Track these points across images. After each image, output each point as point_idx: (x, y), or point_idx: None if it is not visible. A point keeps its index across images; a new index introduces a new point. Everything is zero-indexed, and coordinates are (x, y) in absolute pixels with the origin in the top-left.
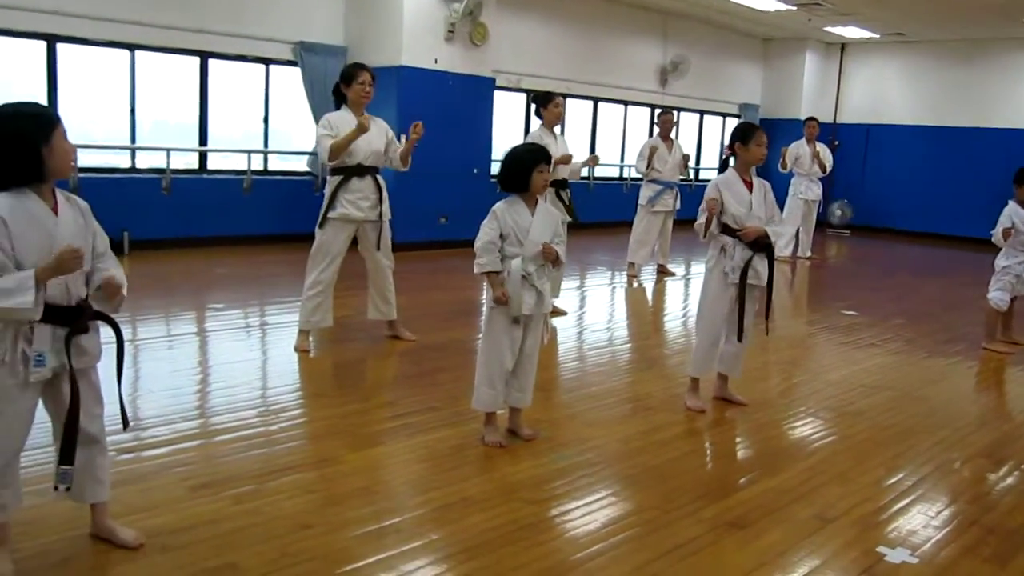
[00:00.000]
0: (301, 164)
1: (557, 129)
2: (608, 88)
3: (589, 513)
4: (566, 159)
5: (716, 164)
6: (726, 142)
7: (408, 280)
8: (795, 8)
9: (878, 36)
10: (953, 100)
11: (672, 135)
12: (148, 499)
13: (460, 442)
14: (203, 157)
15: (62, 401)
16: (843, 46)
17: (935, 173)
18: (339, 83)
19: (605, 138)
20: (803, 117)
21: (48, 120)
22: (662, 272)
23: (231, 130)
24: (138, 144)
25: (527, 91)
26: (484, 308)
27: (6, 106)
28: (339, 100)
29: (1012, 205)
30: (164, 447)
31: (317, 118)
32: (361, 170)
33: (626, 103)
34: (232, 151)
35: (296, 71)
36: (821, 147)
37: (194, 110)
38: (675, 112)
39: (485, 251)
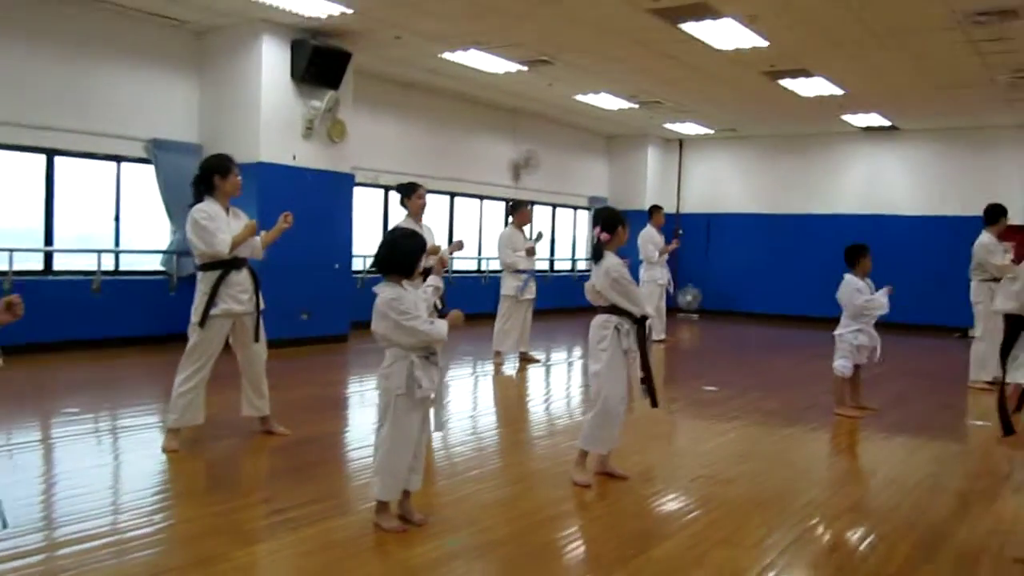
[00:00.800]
0: (154, 263)
1: (425, 219)
2: (464, 183)
3: None
4: (435, 249)
5: (569, 254)
6: (579, 232)
7: (273, 376)
8: (637, 107)
9: (713, 131)
10: (784, 189)
11: (526, 227)
12: None
13: (350, 532)
14: (48, 257)
15: None
16: (681, 141)
17: (772, 257)
18: (205, 174)
19: (462, 231)
20: (647, 209)
21: None
22: (525, 360)
23: (79, 229)
24: None
25: (385, 187)
26: (380, 399)
27: None
28: (204, 191)
29: (848, 276)
30: (46, 553)
31: (172, 216)
32: (238, 263)
33: (481, 197)
34: (80, 251)
35: (148, 168)
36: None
37: (39, 209)
38: (529, 204)
39: (419, 318)
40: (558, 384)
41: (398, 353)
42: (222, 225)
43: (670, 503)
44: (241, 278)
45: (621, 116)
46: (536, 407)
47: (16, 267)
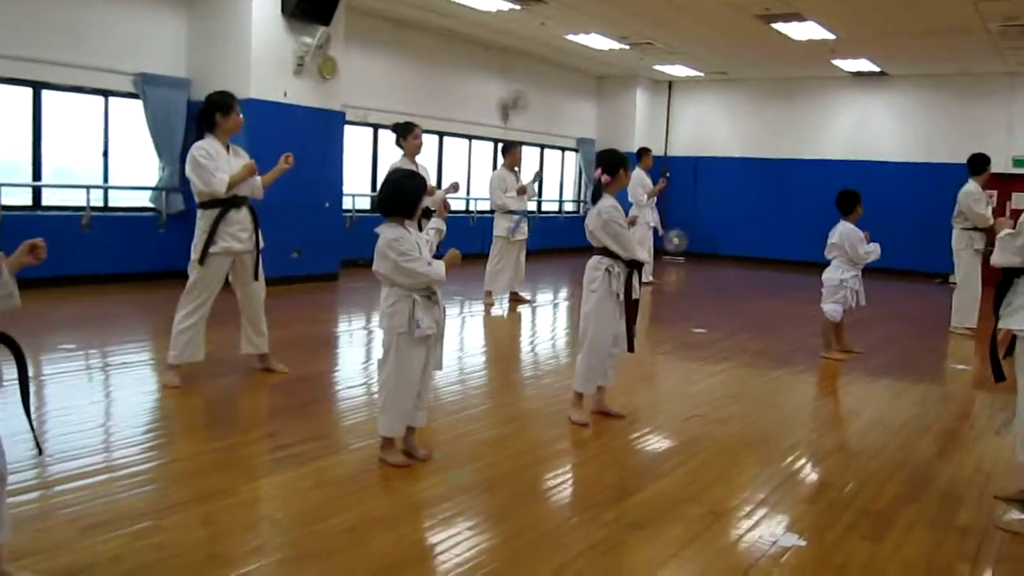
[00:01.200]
0: (143, 200)
1: (418, 159)
2: (453, 123)
3: (499, 523)
4: (431, 190)
5: (556, 196)
6: (567, 174)
7: (268, 315)
8: (628, 47)
9: (703, 74)
10: (772, 133)
11: (517, 168)
12: (39, 542)
13: (354, 468)
14: (37, 193)
15: None
16: (671, 83)
17: (758, 202)
18: (208, 110)
19: (450, 171)
20: (636, 150)
21: None
22: (516, 300)
23: (68, 164)
24: None
25: (374, 125)
26: (382, 337)
27: None
28: (205, 127)
29: (848, 224)
30: (42, 490)
31: (160, 152)
32: (237, 201)
33: (470, 137)
34: (69, 186)
35: (137, 103)
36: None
37: (27, 144)
38: (520, 145)
39: (419, 260)
40: (546, 325)
41: (400, 293)
42: (222, 163)
43: (663, 442)
44: (241, 216)
45: (611, 57)
46: (527, 347)
47: (4, 202)
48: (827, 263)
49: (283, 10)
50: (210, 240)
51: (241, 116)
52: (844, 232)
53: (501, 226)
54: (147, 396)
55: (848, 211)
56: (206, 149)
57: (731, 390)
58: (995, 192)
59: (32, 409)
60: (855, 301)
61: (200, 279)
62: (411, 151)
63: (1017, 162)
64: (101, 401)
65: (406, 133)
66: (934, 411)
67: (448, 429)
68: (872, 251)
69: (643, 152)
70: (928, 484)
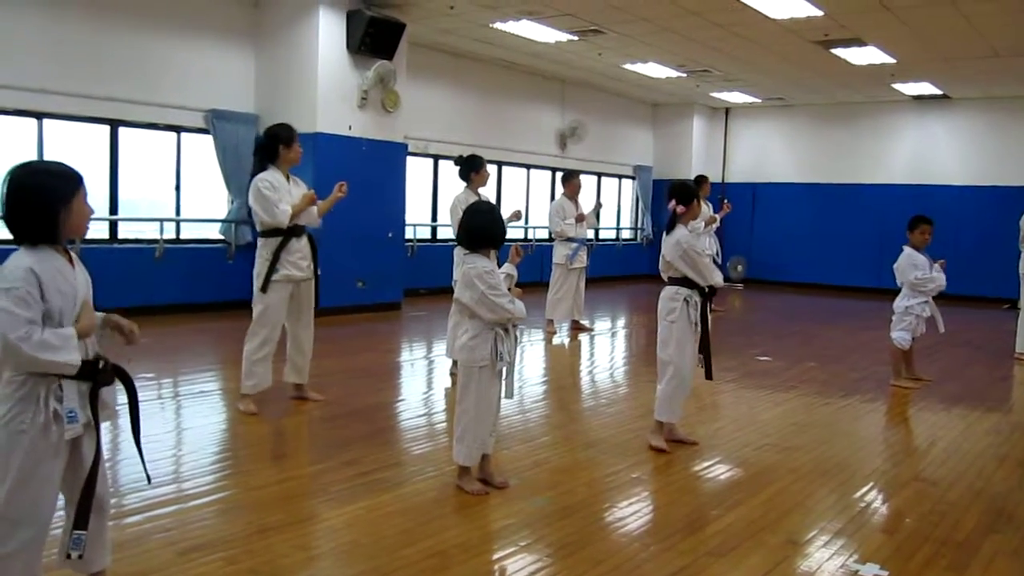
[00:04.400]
0: (213, 232)
1: (482, 191)
2: (511, 152)
3: (577, 551)
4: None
5: (613, 223)
6: (624, 202)
7: (334, 343)
8: (685, 75)
9: (760, 100)
10: (831, 158)
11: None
12: (138, 566)
13: (436, 494)
14: (113, 226)
15: (78, 462)
16: (727, 110)
17: (817, 227)
18: (271, 143)
19: (509, 200)
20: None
21: (71, 181)
22: (577, 328)
23: (142, 198)
24: None
25: (435, 156)
26: (459, 369)
27: (34, 163)
28: (267, 159)
29: (908, 250)
30: (139, 514)
31: (230, 185)
32: (297, 231)
33: (528, 166)
34: (144, 219)
35: (207, 138)
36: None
37: (104, 179)
38: (579, 174)
39: (505, 296)
40: (606, 353)
41: (480, 326)
42: (284, 194)
43: (736, 471)
44: (300, 245)
45: (668, 85)
46: (589, 376)
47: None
48: (890, 289)
49: (348, 46)
50: (272, 268)
51: (300, 147)
52: (901, 257)
53: (560, 254)
54: (223, 423)
55: (910, 233)
56: (269, 181)
57: (800, 418)
58: None
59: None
60: (923, 328)
61: (265, 309)
62: (478, 184)
63: None
64: (181, 428)
65: (477, 167)
66: (1010, 440)
67: (523, 457)
68: (924, 280)
69: (701, 179)
70: (1008, 514)
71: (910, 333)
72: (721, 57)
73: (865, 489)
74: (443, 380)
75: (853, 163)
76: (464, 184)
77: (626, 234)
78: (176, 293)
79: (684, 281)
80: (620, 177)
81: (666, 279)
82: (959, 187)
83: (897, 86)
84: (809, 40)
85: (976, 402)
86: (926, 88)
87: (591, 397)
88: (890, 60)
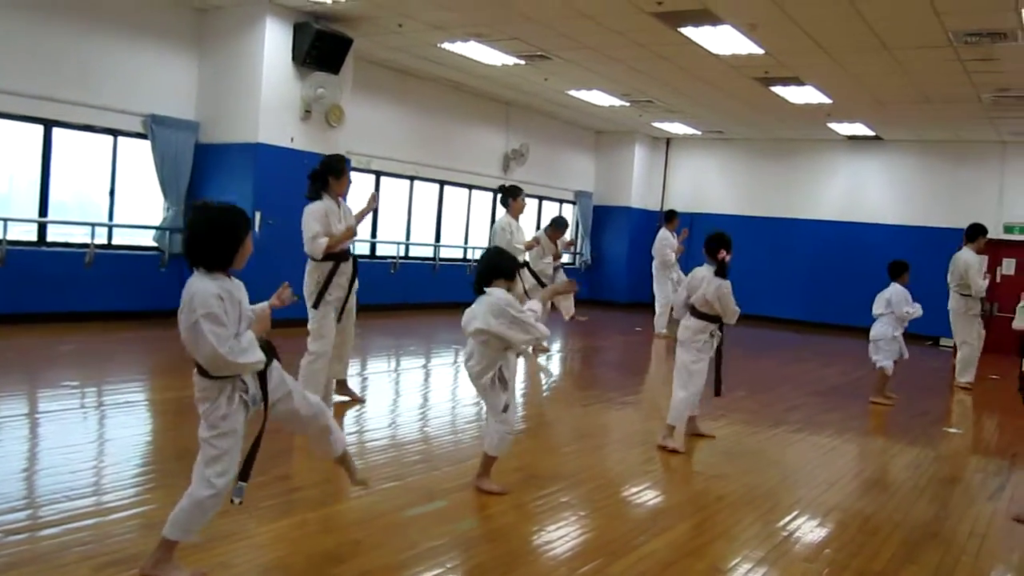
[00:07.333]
0: (147, 239)
1: (520, 218)
2: (454, 172)
3: (506, 574)
4: (530, 244)
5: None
6: (576, 226)
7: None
8: (628, 104)
9: (700, 133)
10: (767, 193)
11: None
12: None
13: (364, 513)
14: (43, 228)
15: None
16: (668, 140)
17: (751, 259)
18: (323, 173)
19: (450, 220)
20: (633, 205)
21: (248, 220)
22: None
23: (74, 202)
24: None
25: (377, 172)
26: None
27: (221, 203)
28: (320, 187)
29: (898, 287)
30: (56, 527)
31: (166, 192)
32: (345, 255)
33: (471, 187)
34: (75, 223)
35: (145, 143)
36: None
37: (35, 180)
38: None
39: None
40: (543, 377)
41: (491, 356)
42: (334, 222)
43: (664, 497)
44: (347, 268)
45: (611, 113)
46: (524, 398)
47: (10, 236)
48: (820, 323)
49: (294, 58)
50: (324, 290)
51: (350, 179)
52: (895, 292)
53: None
54: (148, 434)
55: (896, 276)
56: (324, 210)
57: (729, 447)
58: (987, 257)
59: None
60: (901, 354)
61: (323, 320)
62: (516, 211)
63: (1008, 228)
64: (104, 439)
65: (516, 196)
66: (927, 473)
67: (451, 478)
68: (914, 312)
69: (671, 214)
70: (924, 546)
71: (891, 359)
72: (664, 89)
73: (789, 518)
74: (378, 395)
75: (788, 198)
76: (504, 210)
77: (565, 258)
78: (106, 300)
79: (709, 317)
80: (561, 201)
81: (688, 312)
82: (888, 226)
83: (832, 125)
84: (750, 77)
85: (899, 435)
86: (860, 129)
87: (525, 419)
88: (826, 100)
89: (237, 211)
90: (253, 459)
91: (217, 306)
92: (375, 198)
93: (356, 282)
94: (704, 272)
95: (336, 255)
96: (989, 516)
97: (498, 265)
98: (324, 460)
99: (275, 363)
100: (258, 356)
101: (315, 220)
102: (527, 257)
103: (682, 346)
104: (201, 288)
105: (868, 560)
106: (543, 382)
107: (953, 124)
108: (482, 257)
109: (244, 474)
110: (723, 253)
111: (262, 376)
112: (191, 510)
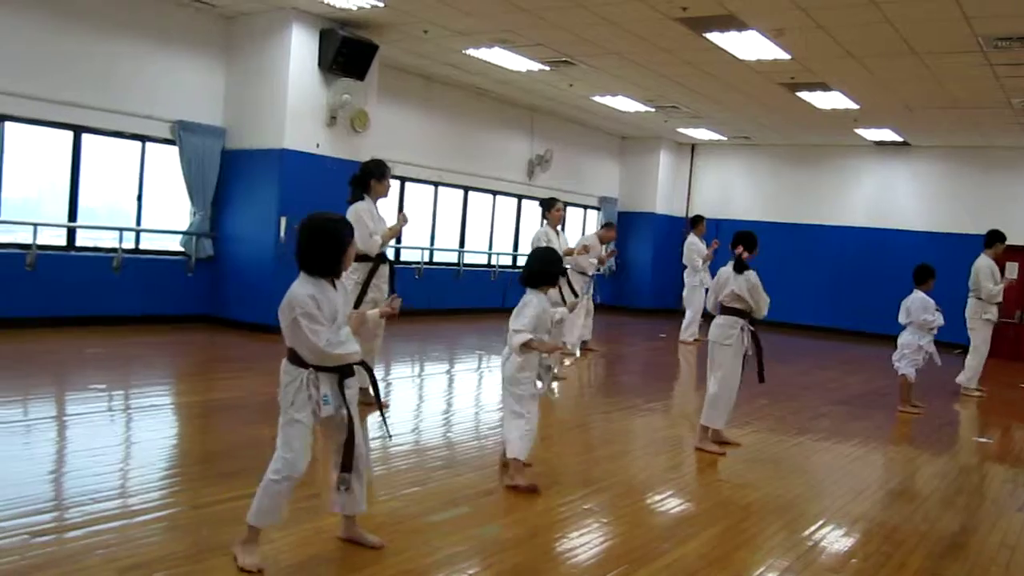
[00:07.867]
0: (174, 243)
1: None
2: (478, 178)
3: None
4: (569, 252)
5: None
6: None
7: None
8: (653, 110)
9: (726, 138)
10: (792, 199)
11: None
12: None
13: (386, 518)
14: (72, 233)
15: (337, 431)
16: (693, 146)
17: (776, 265)
18: (364, 176)
19: (474, 225)
20: (658, 211)
21: (352, 231)
22: (586, 349)
23: (102, 207)
24: (3, 218)
25: (401, 178)
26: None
27: (327, 214)
28: (362, 191)
29: (921, 294)
30: (81, 529)
31: (193, 197)
32: (384, 257)
33: (495, 192)
34: (103, 228)
35: (173, 149)
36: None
37: (64, 185)
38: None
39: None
40: (574, 381)
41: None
42: (379, 224)
43: (688, 504)
44: (384, 269)
45: (636, 119)
46: (552, 404)
47: (40, 241)
48: (845, 329)
49: (320, 64)
50: (364, 291)
51: (391, 183)
52: (915, 299)
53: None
54: (174, 438)
55: (920, 282)
56: (369, 211)
57: (753, 455)
58: (1017, 264)
59: (67, 447)
60: (926, 362)
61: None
62: (554, 221)
63: None
64: (130, 442)
65: (550, 207)
66: (955, 484)
67: (476, 484)
68: (933, 320)
69: (697, 219)
70: (951, 557)
71: (915, 366)
72: (690, 94)
73: (814, 527)
74: (402, 400)
75: (814, 204)
76: (544, 221)
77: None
78: (133, 304)
79: (739, 312)
80: (585, 207)
81: (718, 310)
82: (915, 232)
83: (859, 131)
84: (776, 82)
85: (926, 444)
86: (887, 134)
87: (548, 425)
88: (853, 106)
89: (343, 222)
90: (352, 450)
91: (312, 305)
92: (405, 218)
93: (395, 283)
94: (729, 270)
95: (376, 257)
96: (1020, 528)
97: (545, 271)
98: (330, 512)
99: (355, 382)
100: (355, 348)
101: (367, 218)
102: (570, 264)
103: (714, 345)
104: (298, 291)
105: (895, 571)
106: (555, 390)
107: (982, 129)
108: (532, 256)
109: (346, 464)
110: (740, 249)
111: (340, 381)
112: (260, 494)
